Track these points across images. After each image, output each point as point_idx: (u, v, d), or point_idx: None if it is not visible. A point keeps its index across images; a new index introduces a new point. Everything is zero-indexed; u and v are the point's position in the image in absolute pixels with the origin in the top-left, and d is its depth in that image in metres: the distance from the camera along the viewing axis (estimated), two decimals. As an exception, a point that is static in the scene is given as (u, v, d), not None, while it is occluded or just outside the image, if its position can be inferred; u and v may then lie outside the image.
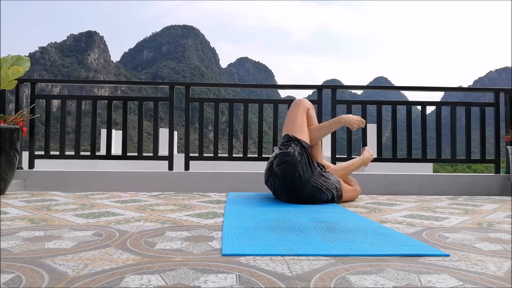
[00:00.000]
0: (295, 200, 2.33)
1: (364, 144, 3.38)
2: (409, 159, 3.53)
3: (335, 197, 2.37)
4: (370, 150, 2.86)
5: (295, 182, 2.30)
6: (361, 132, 3.47)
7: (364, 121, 2.68)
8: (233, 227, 1.56)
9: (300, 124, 2.46)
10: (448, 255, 1.17)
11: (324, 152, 2.85)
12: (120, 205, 2.18)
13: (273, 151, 2.52)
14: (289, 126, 2.48)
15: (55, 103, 3.90)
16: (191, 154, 3.37)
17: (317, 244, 1.28)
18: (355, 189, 2.60)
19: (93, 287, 0.86)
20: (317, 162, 2.45)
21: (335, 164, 3.01)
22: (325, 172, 2.44)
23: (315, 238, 1.37)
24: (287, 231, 1.49)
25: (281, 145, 2.43)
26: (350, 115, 2.63)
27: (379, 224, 1.68)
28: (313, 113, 2.59)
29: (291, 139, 2.39)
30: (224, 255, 1.15)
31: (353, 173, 2.97)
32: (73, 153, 3.34)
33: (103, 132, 7.87)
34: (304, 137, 2.42)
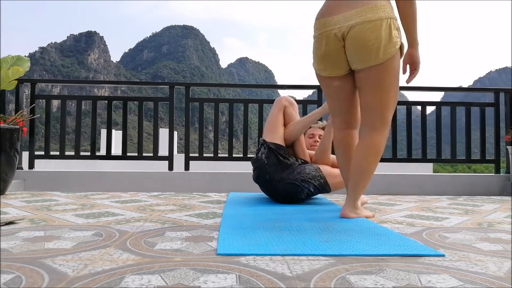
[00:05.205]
0: (277, 199, 2.37)
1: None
2: (409, 159, 3.54)
3: (318, 186, 2.28)
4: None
5: (267, 185, 2.36)
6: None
7: None
8: (230, 227, 1.56)
9: (273, 125, 2.41)
10: (443, 255, 1.17)
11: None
12: (120, 205, 2.18)
13: None
14: (264, 129, 2.48)
15: (55, 103, 3.90)
16: (191, 154, 3.37)
17: (317, 244, 1.28)
18: None
19: (93, 287, 0.86)
20: (297, 158, 2.39)
21: None
22: (300, 165, 2.34)
23: (314, 238, 1.37)
24: (287, 231, 1.49)
25: (256, 150, 2.48)
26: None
27: (376, 224, 1.68)
28: (290, 110, 2.43)
29: (262, 144, 2.40)
30: (218, 254, 1.15)
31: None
32: (73, 153, 3.34)
33: (103, 132, 7.88)
34: (274, 138, 2.36)
